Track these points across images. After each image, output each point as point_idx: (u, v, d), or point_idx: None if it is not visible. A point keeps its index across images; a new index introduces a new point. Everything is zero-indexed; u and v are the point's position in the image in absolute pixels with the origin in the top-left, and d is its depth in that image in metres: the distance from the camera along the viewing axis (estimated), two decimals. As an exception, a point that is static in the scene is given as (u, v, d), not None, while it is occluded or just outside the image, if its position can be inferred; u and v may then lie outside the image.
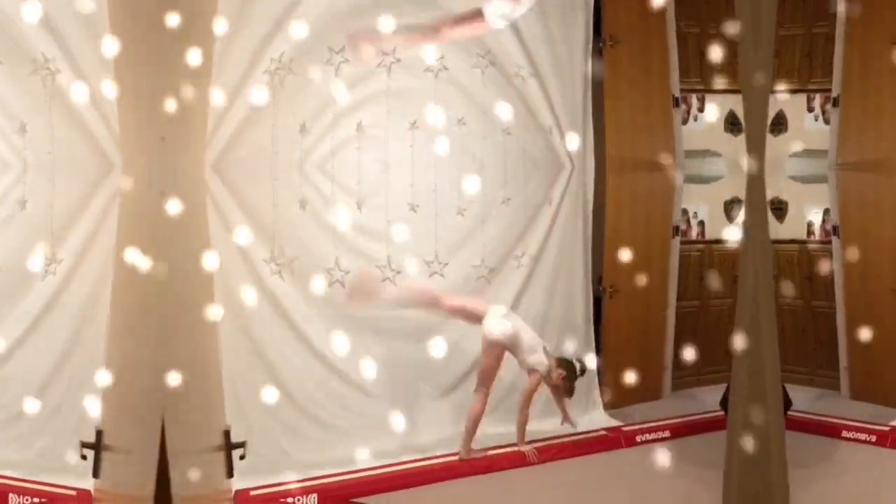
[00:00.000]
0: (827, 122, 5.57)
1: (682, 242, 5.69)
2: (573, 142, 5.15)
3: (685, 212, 5.73)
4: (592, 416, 5.11)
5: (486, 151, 4.97)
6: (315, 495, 4.12)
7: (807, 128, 5.66)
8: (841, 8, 5.36)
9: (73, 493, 3.88)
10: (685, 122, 5.63)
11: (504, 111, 4.95)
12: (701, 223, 5.81)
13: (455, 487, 4.32)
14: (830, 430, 4.81)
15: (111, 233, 4.18)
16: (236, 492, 3.99)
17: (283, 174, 4.59)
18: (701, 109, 5.70)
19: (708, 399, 5.29)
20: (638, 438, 4.88)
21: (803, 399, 5.14)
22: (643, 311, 5.51)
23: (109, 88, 3.91)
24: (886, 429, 4.78)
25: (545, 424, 4.86)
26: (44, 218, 4.25)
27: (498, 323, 4.53)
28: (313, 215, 4.69)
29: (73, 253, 4.30)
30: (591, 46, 5.20)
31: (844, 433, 4.79)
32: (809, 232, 5.68)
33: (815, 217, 5.65)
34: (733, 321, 5.54)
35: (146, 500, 2.34)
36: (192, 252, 2.33)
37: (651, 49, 5.45)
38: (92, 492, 3.76)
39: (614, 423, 5.08)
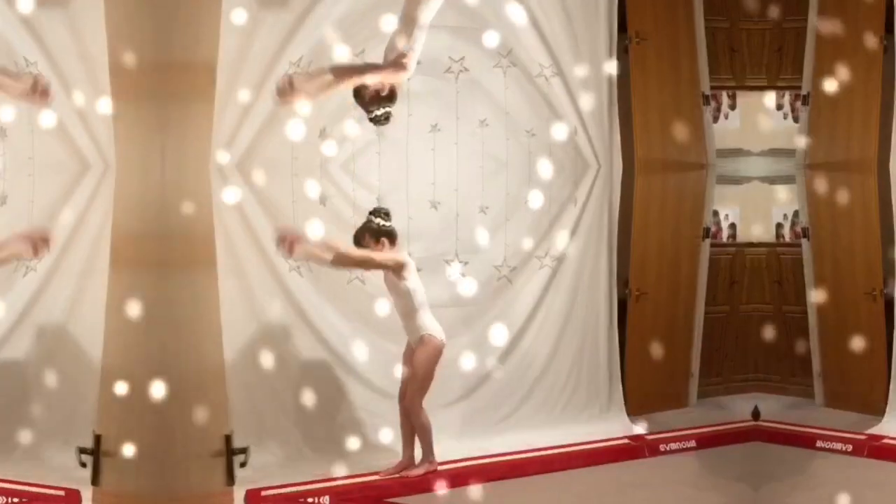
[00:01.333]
0: (796, 120, 5.35)
1: (712, 245, 5.52)
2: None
3: (716, 213, 5.56)
4: (614, 423, 4.98)
5: (509, 152, 4.86)
6: (328, 497, 4.06)
7: (775, 126, 5.43)
8: (812, 3, 5.18)
9: (61, 493, 3.82)
10: (716, 119, 5.44)
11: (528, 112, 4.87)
12: (732, 225, 5.64)
13: (471, 493, 4.23)
14: (804, 440, 4.64)
15: (93, 229, 4.19)
16: (247, 491, 3.95)
17: (303, 172, 4.51)
18: (732, 107, 5.52)
19: (736, 408, 5.14)
20: (662, 447, 4.75)
21: (775, 408, 4.98)
22: (670, 316, 5.38)
23: (89, 93, 3.98)
24: (863, 437, 4.61)
25: (564, 432, 4.75)
26: (24, 214, 4.24)
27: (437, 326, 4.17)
28: (333, 211, 4.63)
29: (54, 250, 4.23)
30: (616, 44, 5.08)
31: (819, 443, 4.62)
32: (778, 234, 5.47)
33: (784, 219, 5.45)
34: (764, 327, 5.43)
35: None
36: (196, 251, 2.27)
37: (679, 45, 5.30)
38: (81, 493, 3.68)
39: (637, 430, 4.95)
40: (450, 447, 4.53)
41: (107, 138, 4.13)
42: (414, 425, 4.18)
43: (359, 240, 4.13)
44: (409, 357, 4.21)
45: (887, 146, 4.87)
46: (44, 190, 4.25)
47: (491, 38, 4.71)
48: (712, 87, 5.42)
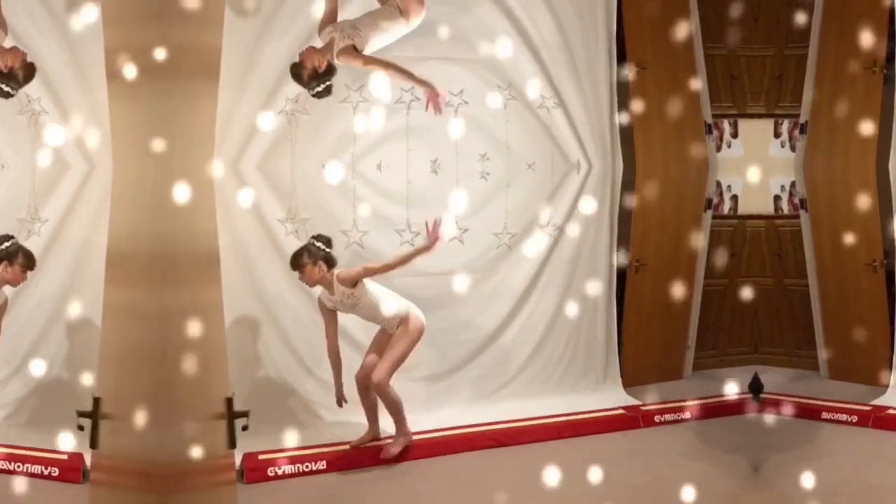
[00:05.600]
0: (794, 149, 5.39)
1: (714, 217, 5.58)
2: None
3: (718, 185, 5.60)
4: (610, 394, 5.08)
5: (511, 185, 4.94)
6: (324, 462, 4.15)
7: (772, 154, 5.49)
8: (814, 31, 5.25)
9: (64, 457, 3.95)
10: (719, 149, 5.46)
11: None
12: (734, 197, 5.69)
13: (466, 460, 4.35)
14: (810, 412, 4.76)
15: (91, 199, 4.25)
16: (245, 455, 4.05)
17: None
18: (734, 135, 5.53)
19: (731, 381, 5.25)
20: (657, 419, 4.87)
21: (780, 381, 5.10)
22: (668, 287, 5.45)
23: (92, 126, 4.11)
24: (868, 408, 4.75)
25: (560, 402, 4.85)
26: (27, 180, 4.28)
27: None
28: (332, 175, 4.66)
29: (57, 212, 4.33)
30: (616, 74, 5.14)
31: (825, 414, 4.75)
32: (777, 206, 5.54)
33: (782, 191, 5.52)
34: (763, 302, 5.52)
35: (157, 471, 2.32)
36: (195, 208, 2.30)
37: (679, 74, 5.32)
38: (84, 457, 3.81)
39: (633, 401, 5.06)
40: (447, 415, 4.65)
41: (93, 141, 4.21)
42: (384, 402, 4.19)
43: (296, 260, 4.11)
44: (383, 341, 4.23)
45: (884, 173, 4.96)
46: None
47: (532, 87, 4.84)
48: (714, 116, 5.47)
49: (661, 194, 5.26)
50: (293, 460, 4.11)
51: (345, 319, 4.29)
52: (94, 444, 2.49)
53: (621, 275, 5.29)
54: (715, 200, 5.61)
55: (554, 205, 5.08)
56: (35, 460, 3.93)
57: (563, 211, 5.10)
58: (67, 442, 3.88)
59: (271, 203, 4.55)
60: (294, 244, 4.49)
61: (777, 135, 5.49)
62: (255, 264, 4.53)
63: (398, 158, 4.72)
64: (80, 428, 2.75)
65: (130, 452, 2.31)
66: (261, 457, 4.10)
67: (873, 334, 5.08)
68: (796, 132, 5.39)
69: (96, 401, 2.54)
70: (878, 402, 4.81)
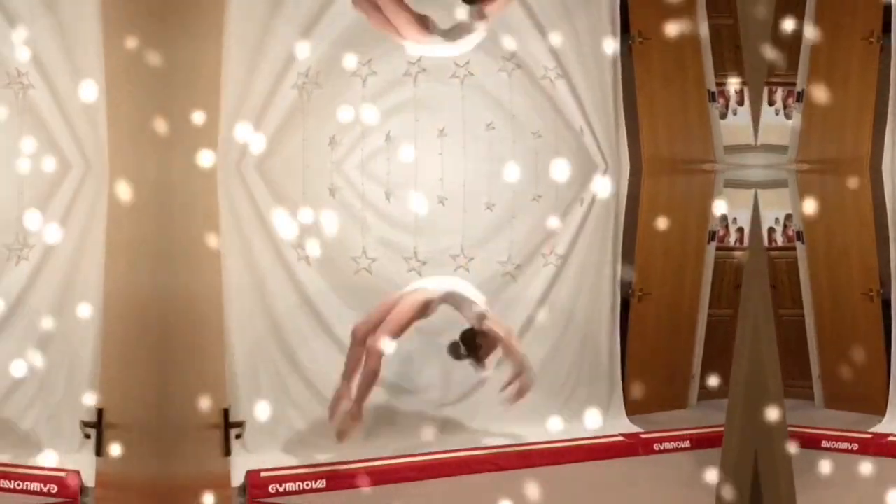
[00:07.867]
0: (789, 117, 5.44)
1: (719, 249, 5.64)
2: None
3: (724, 217, 5.67)
4: (612, 421, 5.14)
5: (516, 155, 5.05)
6: (324, 480, 4.30)
7: (767, 122, 5.51)
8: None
9: (63, 474, 3.99)
10: (723, 116, 5.54)
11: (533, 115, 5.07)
12: (740, 230, 5.75)
13: (462, 484, 4.45)
14: (809, 441, 4.76)
15: (84, 219, 4.35)
16: (247, 472, 4.22)
17: (314, 174, 4.76)
18: (740, 103, 5.61)
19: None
20: (656, 447, 4.93)
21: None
22: (672, 317, 5.51)
23: (83, 97, 4.16)
24: (868, 436, 4.77)
25: (562, 430, 4.93)
26: (13, 205, 4.34)
27: None
28: (342, 203, 4.84)
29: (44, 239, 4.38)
30: (619, 44, 5.25)
31: (824, 443, 4.76)
32: (770, 239, 5.59)
33: (777, 223, 5.56)
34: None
35: (153, 484, 2.49)
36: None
37: (682, 43, 5.40)
38: (81, 473, 3.87)
39: (634, 429, 5.12)
40: (449, 440, 4.75)
41: (91, 137, 4.32)
42: (368, 366, 4.22)
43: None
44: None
45: (880, 145, 4.98)
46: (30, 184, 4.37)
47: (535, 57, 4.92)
48: (718, 84, 5.53)
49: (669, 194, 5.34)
50: (294, 478, 4.26)
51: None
52: (99, 453, 2.69)
53: (625, 303, 5.37)
54: (720, 232, 5.68)
55: (558, 234, 5.20)
56: (34, 479, 3.95)
57: (566, 240, 5.20)
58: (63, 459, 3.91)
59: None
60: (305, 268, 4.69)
61: (771, 102, 5.55)
62: (264, 281, 4.70)
63: (407, 128, 4.82)
64: (87, 436, 2.92)
65: (131, 466, 2.47)
66: (263, 474, 4.27)
67: (869, 363, 5.09)
68: (791, 100, 5.43)
69: (100, 412, 2.73)
70: (877, 429, 4.85)
